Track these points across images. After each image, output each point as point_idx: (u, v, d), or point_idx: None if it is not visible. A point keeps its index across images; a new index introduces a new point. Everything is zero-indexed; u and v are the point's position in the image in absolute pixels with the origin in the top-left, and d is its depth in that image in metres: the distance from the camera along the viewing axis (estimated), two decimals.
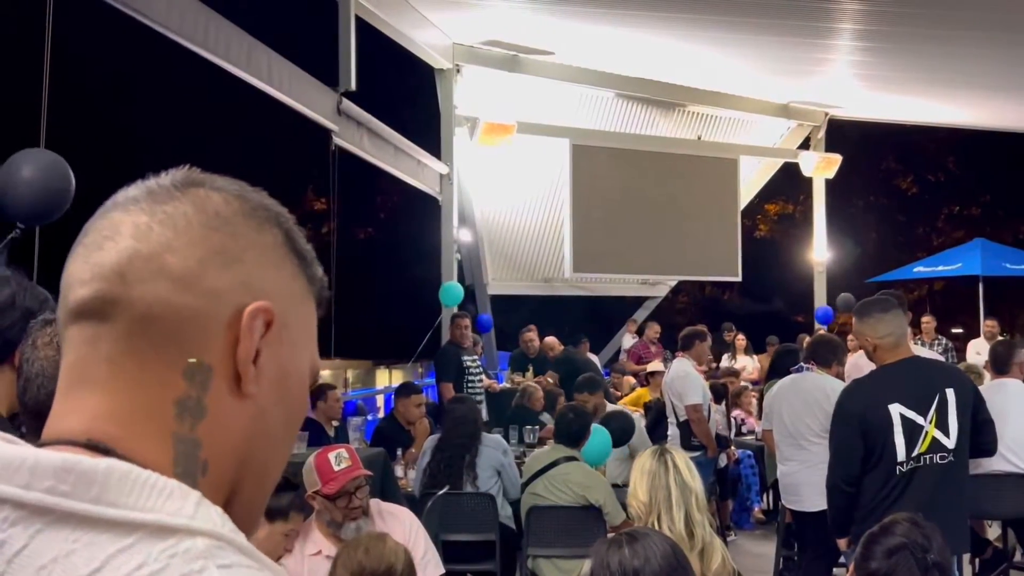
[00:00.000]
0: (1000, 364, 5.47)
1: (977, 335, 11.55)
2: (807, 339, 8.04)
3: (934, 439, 3.60)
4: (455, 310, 9.17)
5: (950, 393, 3.63)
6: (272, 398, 0.71)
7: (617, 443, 5.90)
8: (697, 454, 6.06)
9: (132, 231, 0.68)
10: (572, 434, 5.13)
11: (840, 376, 5.77)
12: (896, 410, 3.59)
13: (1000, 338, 9.36)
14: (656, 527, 2.80)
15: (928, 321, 10.62)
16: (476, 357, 8.47)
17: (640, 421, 7.83)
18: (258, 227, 0.72)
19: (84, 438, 0.65)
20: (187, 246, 0.68)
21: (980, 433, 3.75)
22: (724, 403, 7.88)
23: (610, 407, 6.84)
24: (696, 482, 2.98)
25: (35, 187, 3.74)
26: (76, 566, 0.59)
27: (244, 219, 0.71)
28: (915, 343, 7.36)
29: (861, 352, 5.84)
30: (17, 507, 0.61)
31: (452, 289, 9.46)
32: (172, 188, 0.71)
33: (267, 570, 0.64)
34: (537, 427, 6.98)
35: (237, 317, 0.69)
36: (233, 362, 0.69)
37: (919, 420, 3.59)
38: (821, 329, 11.82)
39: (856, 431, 3.63)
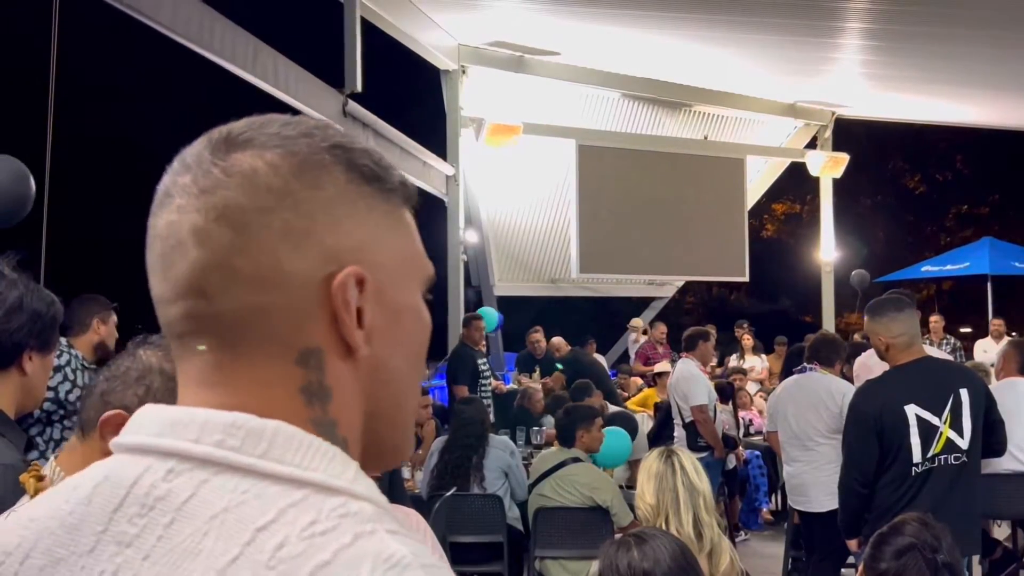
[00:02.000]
0: None
1: (986, 334, 11.51)
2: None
3: (948, 440, 3.58)
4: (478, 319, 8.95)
5: (964, 393, 3.62)
6: (389, 344, 0.70)
7: None
8: (704, 455, 6.04)
9: (193, 238, 0.66)
10: (565, 436, 5.16)
11: (846, 375, 5.74)
12: (912, 411, 3.57)
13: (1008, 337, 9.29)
14: (664, 529, 2.79)
15: (936, 321, 10.59)
16: (486, 359, 8.47)
17: (647, 422, 7.82)
18: (315, 182, 0.67)
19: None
20: (250, 243, 0.65)
21: (990, 433, 3.73)
22: (731, 403, 7.85)
23: (612, 408, 6.83)
24: (703, 483, 2.97)
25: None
26: (250, 516, 0.61)
27: (298, 180, 0.67)
28: (923, 343, 7.30)
29: (871, 351, 5.81)
30: (184, 460, 0.63)
31: (489, 315, 9.45)
32: (213, 165, 0.67)
33: (421, 543, 0.64)
34: (540, 428, 6.97)
35: (327, 291, 0.67)
36: (339, 335, 0.67)
37: (934, 421, 3.57)
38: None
39: (872, 432, 3.61)
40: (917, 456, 3.56)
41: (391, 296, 0.70)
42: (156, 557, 0.61)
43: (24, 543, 0.66)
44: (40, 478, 1.44)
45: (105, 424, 1.43)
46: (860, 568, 2.28)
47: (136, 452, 0.66)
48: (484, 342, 8.87)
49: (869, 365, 5.57)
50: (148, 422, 0.67)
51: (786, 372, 7.12)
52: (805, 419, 5.23)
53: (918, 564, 2.12)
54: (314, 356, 0.67)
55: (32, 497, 1.41)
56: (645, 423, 7.76)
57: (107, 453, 1.48)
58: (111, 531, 0.63)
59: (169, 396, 1.47)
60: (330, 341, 0.67)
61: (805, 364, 5.51)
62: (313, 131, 0.70)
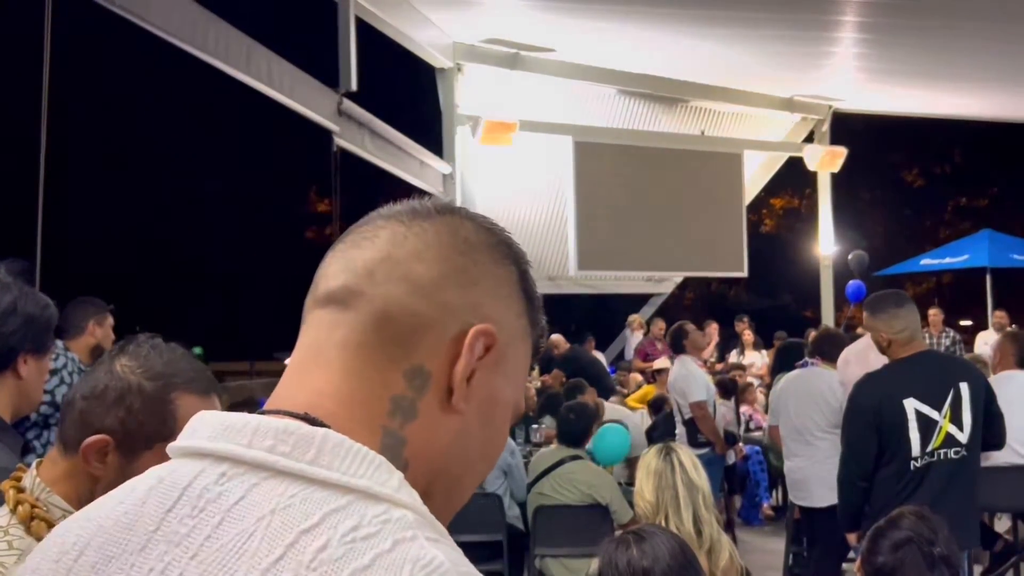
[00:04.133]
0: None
1: (986, 327, 11.50)
2: (813, 334, 8.00)
3: (948, 434, 3.57)
4: None
5: (964, 387, 3.61)
6: (478, 419, 0.74)
7: None
8: (704, 451, 6.03)
9: (390, 236, 0.75)
10: (574, 434, 5.14)
11: None
12: (911, 405, 3.56)
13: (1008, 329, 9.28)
14: (664, 527, 2.79)
15: (935, 314, 10.57)
16: None
17: (645, 419, 7.81)
18: (498, 260, 0.78)
19: (303, 411, 0.69)
20: (433, 260, 0.74)
21: (989, 427, 3.72)
22: (733, 398, 7.84)
23: (609, 408, 6.82)
24: (702, 480, 2.96)
25: None
26: (295, 519, 0.63)
27: (487, 250, 0.77)
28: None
29: (851, 347, 5.82)
30: (236, 464, 0.66)
31: None
32: (432, 210, 0.78)
33: (459, 551, 0.67)
34: (539, 426, 6.96)
35: (462, 334, 0.73)
36: (450, 375, 0.72)
37: (934, 415, 3.57)
38: (851, 308, 11.74)
39: (871, 426, 3.60)
40: (916, 450, 3.56)
41: (500, 383, 0.76)
42: (203, 556, 0.64)
43: (79, 541, 0.69)
44: (20, 490, 1.40)
45: (88, 449, 1.39)
46: (858, 562, 2.28)
47: (191, 456, 0.69)
48: None
49: (848, 359, 5.57)
50: (203, 426, 0.70)
51: (777, 367, 7.13)
52: (806, 414, 5.23)
53: (915, 557, 2.12)
54: (421, 377, 0.72)
55: (10, 506, 1.38)
56: (644, 420, 7.76)
57: (92, 475, 1.46)
58: (163, 530, 0.66)
59: (150, 416, 1.45)
60: (440, 375, 0.72)
61: (807, 359, 5.51)
62: (509, 236, 0.81)
